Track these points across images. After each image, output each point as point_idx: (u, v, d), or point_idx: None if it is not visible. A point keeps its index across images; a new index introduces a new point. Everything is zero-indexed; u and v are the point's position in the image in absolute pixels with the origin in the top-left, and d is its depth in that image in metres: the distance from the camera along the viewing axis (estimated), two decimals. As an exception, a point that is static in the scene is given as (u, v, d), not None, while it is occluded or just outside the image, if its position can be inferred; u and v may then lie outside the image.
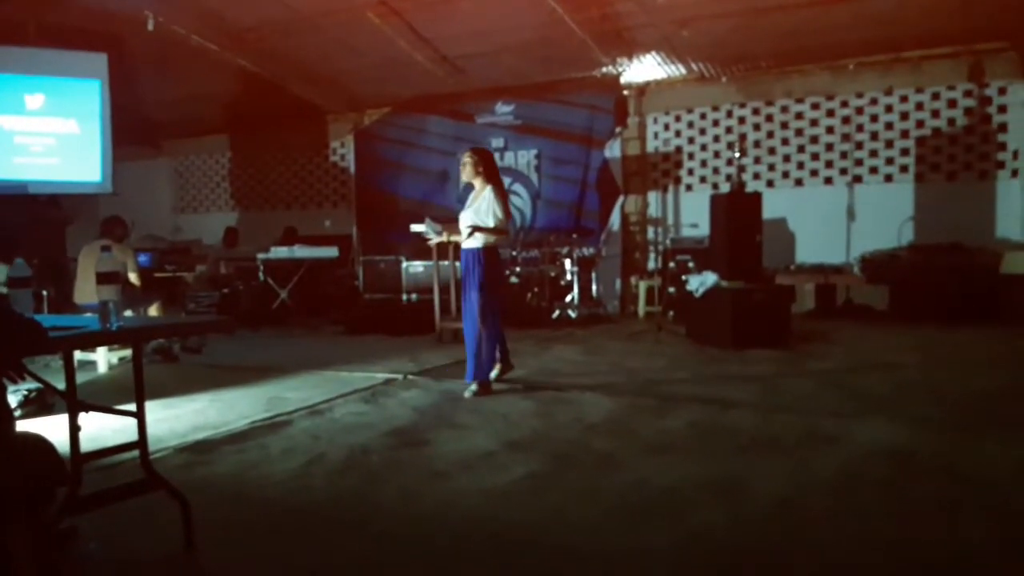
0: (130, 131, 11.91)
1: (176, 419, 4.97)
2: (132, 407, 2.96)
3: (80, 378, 2.90)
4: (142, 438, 2.96)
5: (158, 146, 15.18)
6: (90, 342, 3.79)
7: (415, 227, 8.17)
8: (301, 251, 10.56)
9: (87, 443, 2.79)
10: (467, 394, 5.53)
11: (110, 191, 11.26)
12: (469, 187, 6.07)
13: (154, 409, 5.07)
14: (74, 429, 2.71)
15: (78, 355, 5.96)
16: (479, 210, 5.66)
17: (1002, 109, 9.84)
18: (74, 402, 2.74)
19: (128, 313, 6.92)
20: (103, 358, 7.04)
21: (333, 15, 9.67)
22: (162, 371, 6.92)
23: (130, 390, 2.99)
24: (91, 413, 2.81)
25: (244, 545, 2.97)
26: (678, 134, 11.63)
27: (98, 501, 2.82)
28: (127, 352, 6.76)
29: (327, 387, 5.90)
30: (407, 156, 12.69)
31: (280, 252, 10.51)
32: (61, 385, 2.77)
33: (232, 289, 10.63)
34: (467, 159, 5.78)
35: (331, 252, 10.72)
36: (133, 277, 7.51)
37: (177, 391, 5.81)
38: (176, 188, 15.61)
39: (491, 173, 5.80)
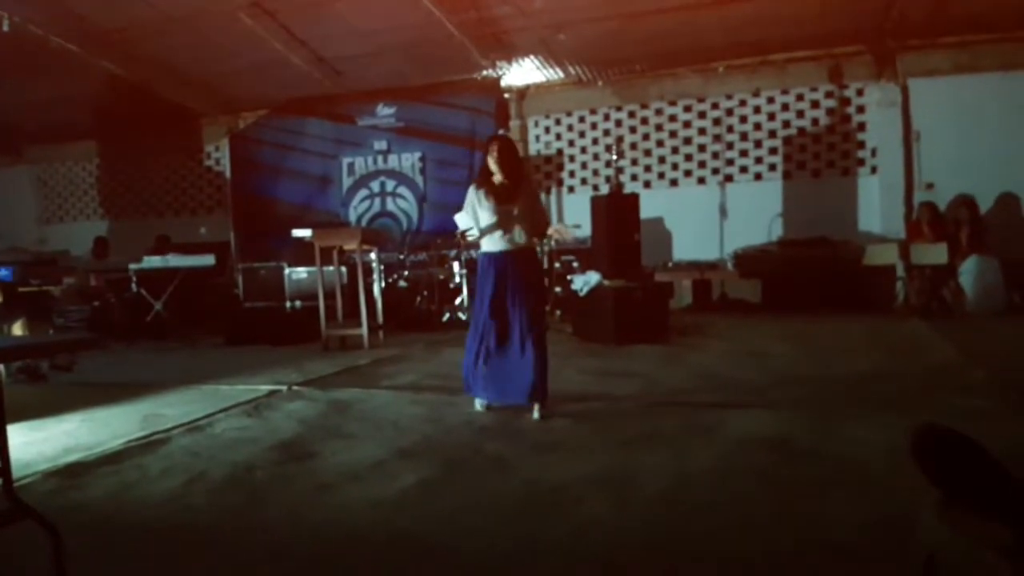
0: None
1: (45, 442, 4.70)
2: (-7, 433, 2.79)
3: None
4: (4, 465, 2.78)
5: (18, 152, 14.36)
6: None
7: (297, 232, 8.03)
8: (175, 260, 10.16)
9: (-57, 474, 2.62)
10: (537, 415, 4.86)
11: (-35, 202, 10.58)
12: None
13: (21, 432, 4.81)
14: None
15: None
16: (537, 209, 5.19)
17: (860, 109, 10.46)
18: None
19: (-12, 332, 6.54)
20: (-39, 380, 6.60)
21: (203, 16, 9.38)
22: (29, 391, 6.53)
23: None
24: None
25: (121, 573, 2.85)
26: (559, 137, 11.84)
27: (-43, 536, 2.65)
28: (-12, 373, 6.36)
29: (207, 402, 5.70)
30: (286, 159, 12.44)
31: (153, 262, 10.09)
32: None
33: (103, 302, 10.17)
34: (500, 147, 4.97)
35: (207, 260, 10.34)
36: (-8, 293, 7.09)
37: (45, 412, 5.49)
38: (40, 197, 14.81)
39: (512, 163, 5.07)
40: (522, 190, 5.03)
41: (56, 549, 2.74)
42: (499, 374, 4.96)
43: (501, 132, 4.98)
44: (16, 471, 2.92)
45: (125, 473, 4.01)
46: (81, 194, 14.56)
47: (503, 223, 4.94)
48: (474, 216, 5.05)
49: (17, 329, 7.11)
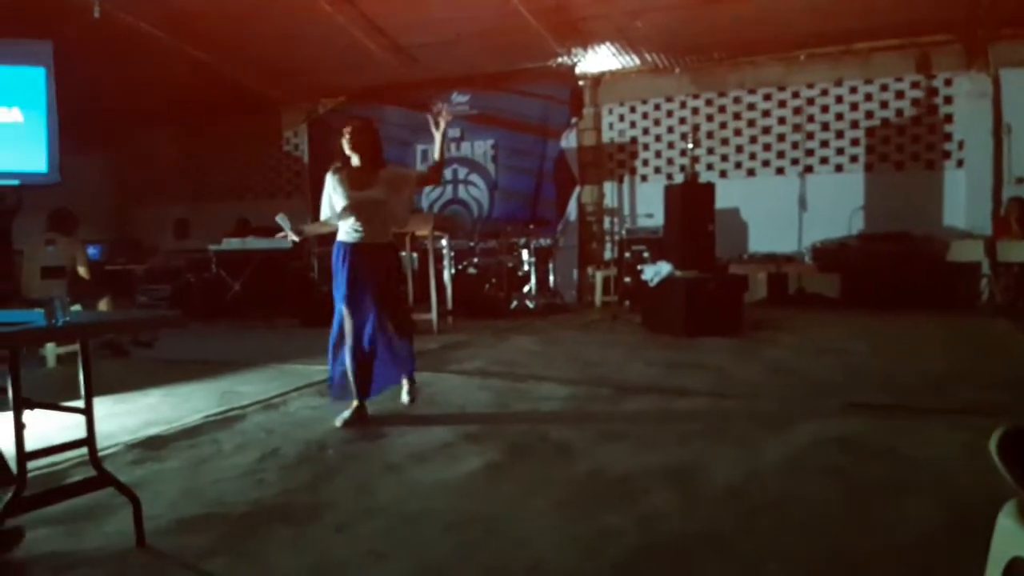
0: (77, 121, 11.62)
1: (127, 414, 4.88)
2: (80, 403, 2.90)
3: (28, 373, 2.83)
4: (90, 435, 2.90)
5: (105, 136, 14.85)
6: (34, 339, 3.71)
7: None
8: (254, 242, 10.41)
9: (34, 441, 2.73)
10: (338, 422, 4.54)
11: (57, 181, 10.97)
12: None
13: (105, 404, 5.00)
14: (19, 427, 2.65)
15: (26, 349, 5.83)
16: (400, 200, 4.81)
17: (948, 100, 10.08)
18: (19, 399, 2.67)
19: (76, 307, 6.80)
20: (52, 353, 6.90)
21: (284, 4, 9.54)
22: (113, 366, 6.80)
23: (80, 385, 2.93)
24: (38, 410, 2.75)
25: (196, 541, 2.93)
26: (633, 125, 11.71)
27: (44, 501, 2.77)
28: (76, 346, 6.62)
29: (282, 380, 5.84)
30: (362, 146, 12.57)
31: (232, 244, 10.36)
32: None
33: (184, 282, 10.47)
34: (352, 130, 4.65)
35: (285, 243, 10.57)
36: (83, 271, 7.36)
37: (128, 386, 5.71)
38: (125, 179, 15.29)
39: (370, 147, 4.65)
40: (380, 177, 4.64)
41: (136, 515, 2.85)
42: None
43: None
44: (100, 442, 3.03)
45: (202, 447, 4.14)
46: (164, 177, 15.00)
47: (356, 210, 4.58)
48: (330, 204, 4.66)
49: (103, 306, 7.38)
